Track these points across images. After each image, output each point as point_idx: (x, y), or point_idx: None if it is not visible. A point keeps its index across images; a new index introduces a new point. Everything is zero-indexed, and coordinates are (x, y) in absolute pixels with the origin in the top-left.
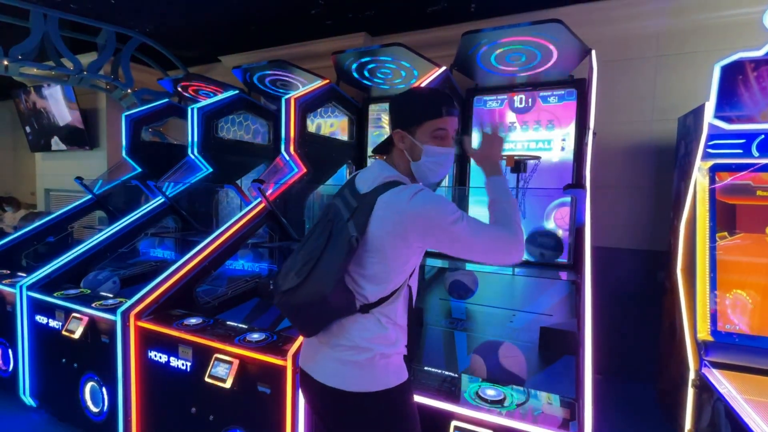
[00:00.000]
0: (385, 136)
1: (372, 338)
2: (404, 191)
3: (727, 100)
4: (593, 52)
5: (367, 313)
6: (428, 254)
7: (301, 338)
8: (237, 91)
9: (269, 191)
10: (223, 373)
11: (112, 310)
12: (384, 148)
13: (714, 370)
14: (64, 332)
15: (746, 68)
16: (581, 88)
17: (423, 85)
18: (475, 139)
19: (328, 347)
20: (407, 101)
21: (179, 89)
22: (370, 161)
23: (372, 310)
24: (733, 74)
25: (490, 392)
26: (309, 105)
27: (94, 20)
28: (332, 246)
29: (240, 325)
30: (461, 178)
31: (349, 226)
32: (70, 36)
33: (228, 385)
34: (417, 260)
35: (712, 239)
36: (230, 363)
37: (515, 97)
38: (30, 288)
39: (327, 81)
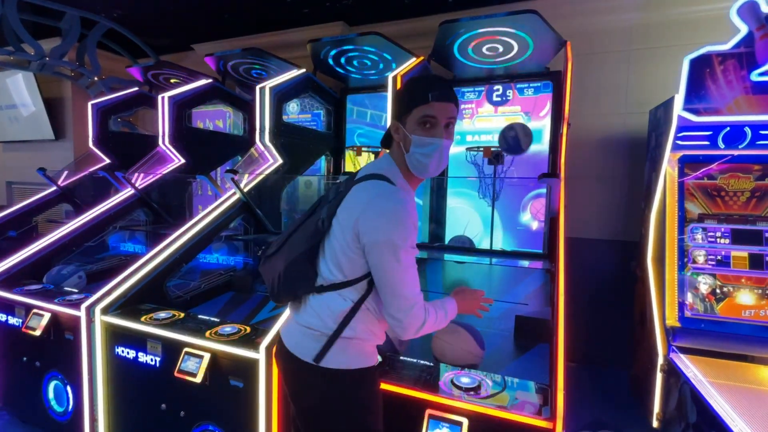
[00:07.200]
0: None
1: (326, 320)
2: (375, 187)
3: (696, 92)
4: (568, 44)
5: (324, 293)
6: None
7: (274, 330)
8: (210, 80)
9: (243, 182)
10: (193, 368)
11: (75, 305)
12: (385, 142)
13: (681, 355)
14: (24, 329)
15: (714, 61)
16: (557, 80)
17: (401, 74)
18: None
19: (294, 318)
20: (400, 90)
21: (150, 78)
22: (347, 153)
23: (328, 292)
24: (701, 67)
25: (465, 380)
26: (284, 94)
27: (56, 3)
28: (303, 227)
29: (212, 319)
30: None
31: (323, 208)
32: (31, 20)
33: (198, 379)
34: None
35: (681, 229)
36: (201, 357)
37: (492, 89)
38: None
39: (303, 70)
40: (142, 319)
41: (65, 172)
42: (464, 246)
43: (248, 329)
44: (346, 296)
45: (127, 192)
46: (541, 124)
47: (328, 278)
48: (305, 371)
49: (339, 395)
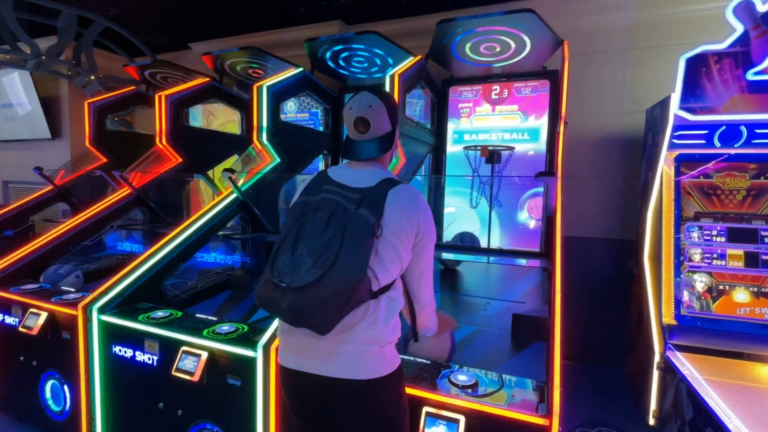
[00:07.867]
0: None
1: (381, 325)
2: (413, 190)
3: (692, 91)
4: (566, 43)
5: (377, 298)
6: None
7: (272, 328)
8: (208, 79)
9: (241, 181)
10: (190, 367)
11: (72, 304)
12: (387, 147)
13: (678, 353)
14: (20, 329)
15: (709, 61)
16: (554, 79)
17: (398, 73)
18: (450, 129)
19: (336, 342)
20: (397, 105)
21: (147, 76)
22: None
23: (382, 296)
24: (697, 66)
25: (462, 377)
26: (282, 93)
27: (53, 1)
28: (351, 234)
29: (209, 318)
30: (437, 168)
31: (364, 214)
32: (27, 18)
33: (196, 378)
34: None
35: (677, 227)
36: (198, 356)
37: (490, 88)
38: None
39: (301, 69)
40: (140, 318)
41: (62, 171)
42: (466, 244)
43: (246, 328)
44: (393, 295)
45: (124, 191)
46: (539, 123)
47: (384, 280)
48: (365, 389)
49: (395, 396)
